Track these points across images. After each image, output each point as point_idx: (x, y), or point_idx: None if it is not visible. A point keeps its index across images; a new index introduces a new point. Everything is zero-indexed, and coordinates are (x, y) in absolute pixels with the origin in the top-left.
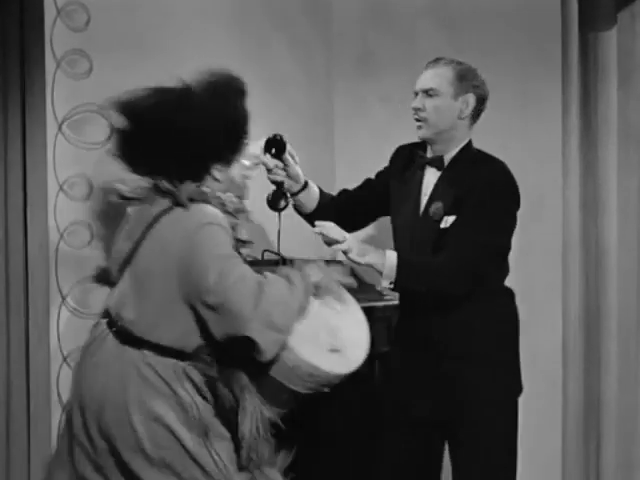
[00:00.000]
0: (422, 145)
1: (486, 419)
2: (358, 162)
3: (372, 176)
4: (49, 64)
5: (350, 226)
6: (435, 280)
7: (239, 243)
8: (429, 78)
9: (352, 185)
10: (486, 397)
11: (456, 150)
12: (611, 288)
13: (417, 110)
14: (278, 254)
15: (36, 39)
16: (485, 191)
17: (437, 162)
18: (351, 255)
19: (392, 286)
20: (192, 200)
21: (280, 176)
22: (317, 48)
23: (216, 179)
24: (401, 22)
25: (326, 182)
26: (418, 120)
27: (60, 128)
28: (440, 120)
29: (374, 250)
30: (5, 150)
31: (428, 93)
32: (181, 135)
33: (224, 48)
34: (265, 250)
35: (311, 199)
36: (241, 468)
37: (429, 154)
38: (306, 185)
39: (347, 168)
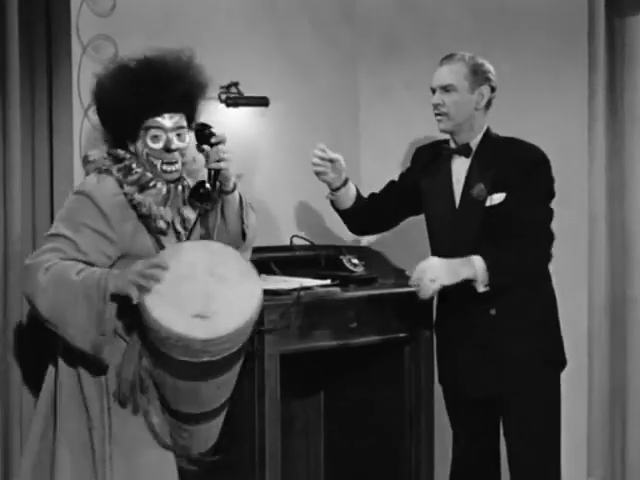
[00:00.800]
0: (440, 141)
1: (537, 390)
2: (383, 148)
3: (395, 178)
4: (75, 49)
5: (381, 227)
6: (523, 268)
7: (138, 207)
8: (445, 75)
9: (376, 171)
10: (537, 368)
11: (479, 136)
12: (637, 275)
13: (437, 106)
14: (307, 240)
15: (62, 25)
16: (528, 167)
17: (465, 149)
18: (447, 284)
19: (488, 288)
20: (98, 170)
21: (324, 167)
22: (342, 33)
23: (129, 151)
24: (426, 8)
25: (351, 168)
26: (438, 114)
27: (86, 113)
28: (459, 113)
29: (461, 264)
30: (32, 135)
31: (446, 89)
32: (98, 109)
33: (249, 33)
34: (294, 236)
35: (349, 197)
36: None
37: (452, 145)
38: (346, 182)
39: (372, 154)
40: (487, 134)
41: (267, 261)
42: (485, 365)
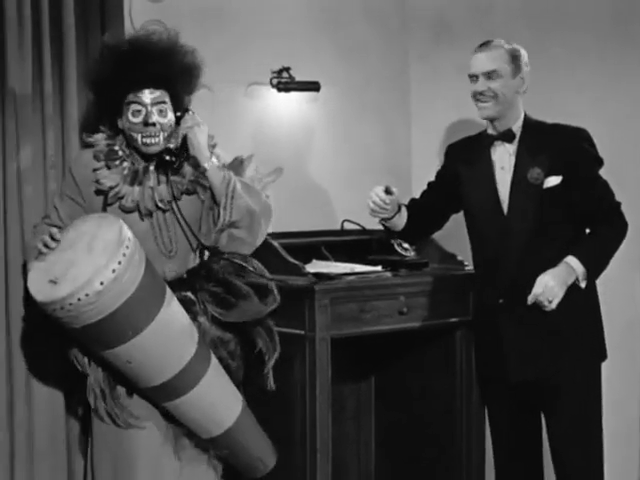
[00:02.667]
0: (471, 136)
1: (587, 375)
2: (434, 130)
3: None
4: (127, 33)
5: (429, 230)
6: (613, 250)
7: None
8: (488, 61)
9: (427, 155)
10: (583, 355)
11: (519, 122)
12: None
13: (483, 92)
14: (359, 224)
15: (115, 9)
16: (585, 145)
17: (509, 135)
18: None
19: (588, 280)
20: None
21: (382, 212)
22: (393, 16)
23: (118, 128)
24: None
25: (402, 150)
26: (484, 101)
27: None
28: (505, 99)
29: (566, 273)
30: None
31: (490, 75)
32: (90, 87)
33: (300, 17)
34: (345, 220)
35: (401, 221)
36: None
37: (491, 132)
38: (399, 209)
39: (423, 136)
40: (526, 119)
41: (318, 245)
42: (539, 346)
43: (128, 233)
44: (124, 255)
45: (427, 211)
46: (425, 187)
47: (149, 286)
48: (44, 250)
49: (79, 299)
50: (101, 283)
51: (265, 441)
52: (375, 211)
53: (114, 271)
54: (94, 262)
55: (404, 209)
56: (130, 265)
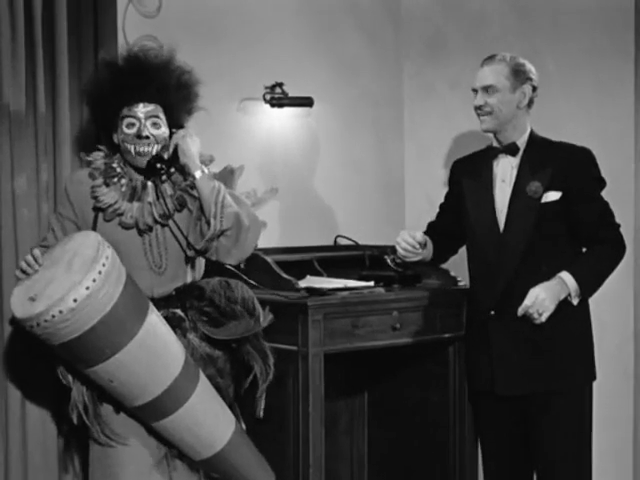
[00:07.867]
0: (477, 152)
1: (572, 395)
2: (427, 147)
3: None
4: (122, 50)
5: (453, 249)
6: (609, 269)
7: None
8: (487, 75)
9: (420, 171)
10: (572, 373)
11: (525, 136)
12: None
13: (480, 106)
14: (351, 239)
15: (109, 25)
16: (588, 167)
17: (512, 148)
18: (552, 310)
19: (581, 298)
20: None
21: (413, 255)
22: (386, 32)
23: (114, 143)
24: (471, 7)
25: (395, 166)
26: (482, 115)
27: None
28: (502, 113)
29: (559, 288)
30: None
31: (488, 90)
32: (87, 102)
33: (294, 32)
34: (338, 235)
35: (430, 252)
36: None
37: (496, 144)
38: (425, 244)
39: (416, 153)
40: (532, 135)
41: (311, 261)
42: (528, 361)
43: (107, 251)
44: (99, 273)
45: (446, 233)
46: (425, 202)
47: (128, 304)
48: (27, 269)
49: (53, 316)
50: (74, 300)
51: (261, 463)
52: (407, 257)
53: (88, 288)
54: (70, 279)
55: (429, 240)
56: (106, 283)
